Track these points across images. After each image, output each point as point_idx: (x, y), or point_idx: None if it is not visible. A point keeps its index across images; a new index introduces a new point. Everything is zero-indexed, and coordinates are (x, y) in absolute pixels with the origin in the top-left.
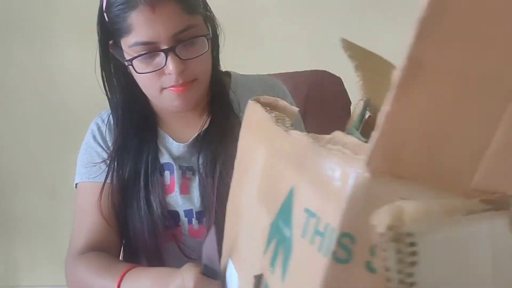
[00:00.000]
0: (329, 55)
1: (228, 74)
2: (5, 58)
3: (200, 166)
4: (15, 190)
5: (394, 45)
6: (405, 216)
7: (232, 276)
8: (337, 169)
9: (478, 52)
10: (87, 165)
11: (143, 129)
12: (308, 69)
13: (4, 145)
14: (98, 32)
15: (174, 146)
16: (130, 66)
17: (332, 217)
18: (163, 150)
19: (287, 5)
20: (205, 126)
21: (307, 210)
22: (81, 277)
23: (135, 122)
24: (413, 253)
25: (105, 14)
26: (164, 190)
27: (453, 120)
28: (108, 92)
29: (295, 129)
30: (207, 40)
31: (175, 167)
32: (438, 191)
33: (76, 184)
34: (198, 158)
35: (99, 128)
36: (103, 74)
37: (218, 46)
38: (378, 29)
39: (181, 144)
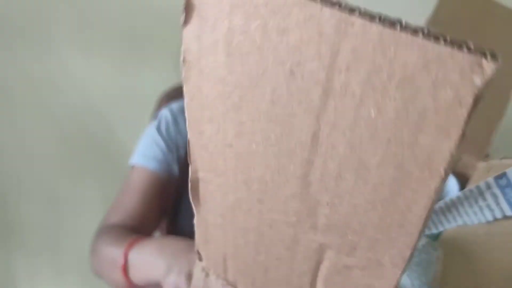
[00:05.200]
0: None
1: None
2: (8, 63)
3: None
4: (16, 198)
5: None
6: None
7: None
8: None
9: None
10: (144, 150)
11: None
12: None
13: (6, 152)
14: None
15: None
16: None
17: None
18: None
19: None
20: None
21: None
22: (98, 244)
23: None
24: None
25: None
26: None
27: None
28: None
29: None
30: None
31: None
32: None
33: (131, 165)
34: None
35: (166, 118)
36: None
37: None
38: None
39: None
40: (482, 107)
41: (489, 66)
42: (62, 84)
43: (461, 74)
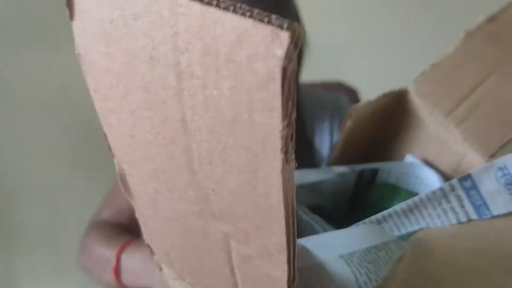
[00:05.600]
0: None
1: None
2: (9, 63)
3: None
4: (18, 197)
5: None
6: None
7: None
8: None
9: None
10: None
11: None
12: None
13: (7, 151)
14: None
15: None
16: None
17: None
18: None
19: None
20: None
21: None
22: (88, 243)
23: None
24: None
25: None
26: None
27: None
28: None
29: None
30: None
31: None
32: None
33: None
34: None
35: None
36: None
37: (301, 60)
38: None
39: None
40: (502, 109)
41: (284, 37)
42: (63, 84)
43: (266, 47)
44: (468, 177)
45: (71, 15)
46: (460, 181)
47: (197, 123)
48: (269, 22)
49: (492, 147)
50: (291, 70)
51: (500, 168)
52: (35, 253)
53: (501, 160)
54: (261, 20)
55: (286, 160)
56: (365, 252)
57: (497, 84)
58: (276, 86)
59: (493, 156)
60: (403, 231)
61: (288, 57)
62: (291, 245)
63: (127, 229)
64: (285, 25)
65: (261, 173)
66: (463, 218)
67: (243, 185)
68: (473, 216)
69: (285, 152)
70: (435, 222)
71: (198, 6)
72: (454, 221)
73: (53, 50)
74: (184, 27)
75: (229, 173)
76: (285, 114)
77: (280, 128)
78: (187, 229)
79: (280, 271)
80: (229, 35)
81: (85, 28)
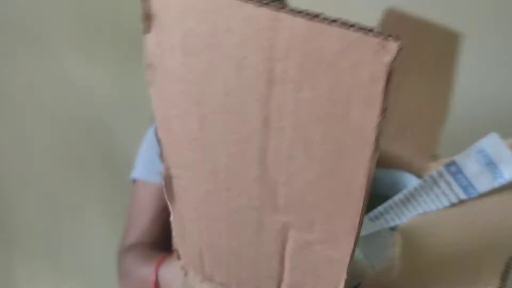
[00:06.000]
0: None
1: None
2: (9, 69)
3: None
4: (17, 203)
5: None
6: None
7: None
8: None
9: None
10: (145, 162)
11: None
12: None
13: (7, 157)
14: None
15: None
16: None
17: None
18: None
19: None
20: None
21: None
22: (126, 267)
23: None
24: None
25: None
26: None
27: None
28: None
29: None
30: None
31: None
32: None
33: (133, 179)
34: None
35: None
36: None
37: None
38: None
39: None
40: (424, 112)
41: (392, 46)
42: (63, 90)
43: (373, 55)
44: (453, 163)
45: (148, 29)
46: (447, 167)
47: (281, 122)
48: (375, 34)
49: (429, 149)
50: (394, 73)
51: (479, 151)
52: (34, 256)
53: (478, 144)
54: (368, 32)
55: (375, 148)
56: (365, 238)
57: (402, 97)
58: (380, 87)
59: (434, 155)
60: (404, 219)
61: (394, 63)
62: (359, 228)
63: (155, 246)
64: (392, 37)
65: (348, 162)
66: (454, 200)
67: (323, 174)
68: (462, 196)
69: (376, 141)
70: (430, 206)
71: (301, 21)
72: (447, 203)
73: (53, 52)
74: (283, 38)
75: (310, 164)
76: (383, 109)
77: (376, 121)
78: (237, 225)
79: (343, 253)
80: (333, 45)
81: (160, 40)
